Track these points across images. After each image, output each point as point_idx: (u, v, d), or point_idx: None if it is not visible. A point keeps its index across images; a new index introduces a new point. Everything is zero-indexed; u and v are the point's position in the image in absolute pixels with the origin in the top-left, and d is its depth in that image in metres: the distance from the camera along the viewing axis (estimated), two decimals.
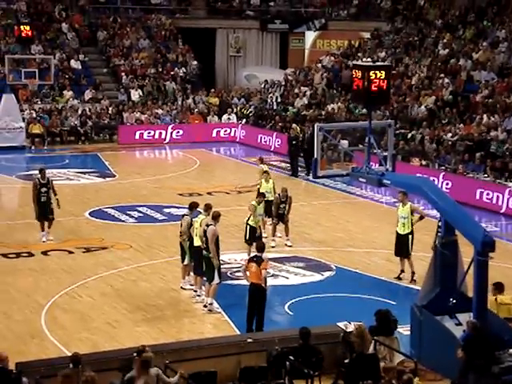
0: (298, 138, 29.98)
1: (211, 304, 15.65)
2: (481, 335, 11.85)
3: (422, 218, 17.59)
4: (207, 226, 15.38)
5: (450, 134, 28.05)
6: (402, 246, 17.35)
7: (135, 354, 11.05)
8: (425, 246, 17.63)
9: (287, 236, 19.97)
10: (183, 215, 16.80)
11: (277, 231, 20.11)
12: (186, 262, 16.64)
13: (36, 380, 11.12)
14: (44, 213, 19.90)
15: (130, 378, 10.94)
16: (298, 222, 21.48)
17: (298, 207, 22.31)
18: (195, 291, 16.41)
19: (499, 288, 13.26)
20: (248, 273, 14.33)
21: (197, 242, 15.82)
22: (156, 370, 10.90)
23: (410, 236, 17.28)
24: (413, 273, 17.26)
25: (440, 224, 16.34)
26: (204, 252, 15.52)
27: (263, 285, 14.23)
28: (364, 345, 12.04)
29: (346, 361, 11.78)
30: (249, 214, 18.47)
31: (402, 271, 17.53)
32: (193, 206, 16.71)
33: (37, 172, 20.58)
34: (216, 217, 15.50)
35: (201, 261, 15.78)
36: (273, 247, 19.57)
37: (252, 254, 15.38)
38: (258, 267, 14.06)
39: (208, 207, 16.06)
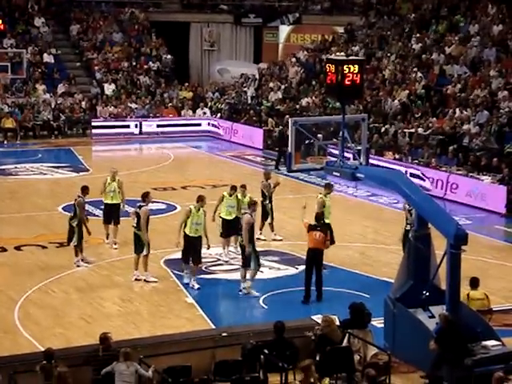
0: (272, 132, 29.94)
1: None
2: (453, 328, 11.94)
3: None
4: (242, 214, 16.46)
5: (421, 129, 28.24)
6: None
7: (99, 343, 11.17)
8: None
9: (273, 231, 19.96)
10: (139, 206, 16.71)
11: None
12: (144, 253, 16.70)
13: (9, 375, 11.07)
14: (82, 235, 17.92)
15: (107, 372, 10.98)
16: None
17: (273, 201, 22.26)
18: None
19: (474, 284, 13.35)
20: (310, 239, 15.67)
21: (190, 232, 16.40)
22: (134, 366, 10.97)
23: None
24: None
25: (408, 216, 16.67)
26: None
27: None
28: (332, 333, 12.10)
29: (317, 358, 11.81)
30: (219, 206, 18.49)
31: None
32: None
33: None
34: (252, 204, 16.54)
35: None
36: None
37: (312, 223, 15.89)
38: (322, 235, 15.60)
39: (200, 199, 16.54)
